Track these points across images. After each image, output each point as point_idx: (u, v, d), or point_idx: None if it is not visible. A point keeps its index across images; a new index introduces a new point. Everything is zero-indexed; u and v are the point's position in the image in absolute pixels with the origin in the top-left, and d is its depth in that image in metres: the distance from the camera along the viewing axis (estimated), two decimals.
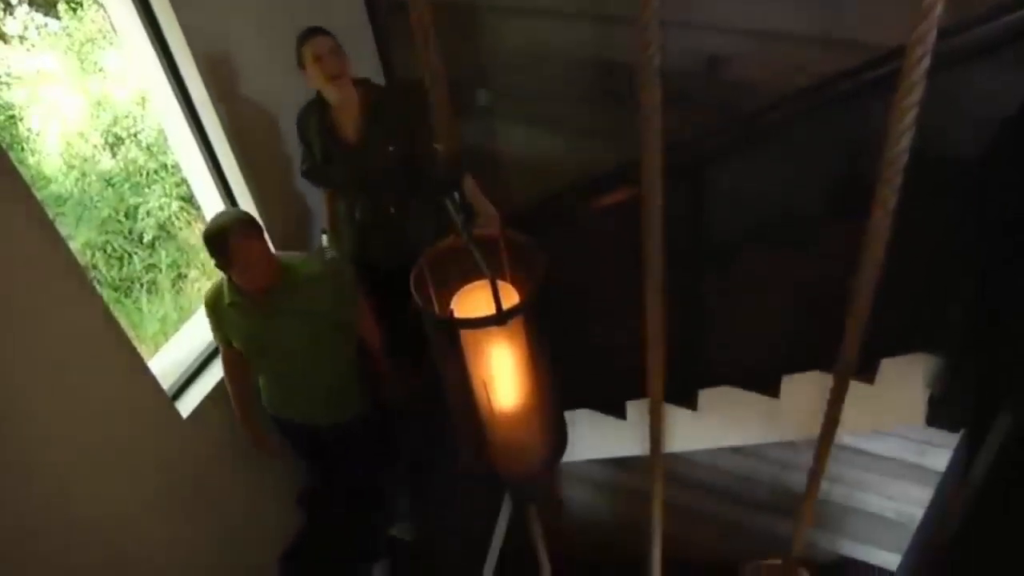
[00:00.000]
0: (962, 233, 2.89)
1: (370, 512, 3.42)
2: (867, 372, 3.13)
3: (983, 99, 2.59)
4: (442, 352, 1.82)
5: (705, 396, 3.36)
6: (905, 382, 3.21)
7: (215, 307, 3.10)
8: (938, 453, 4.24)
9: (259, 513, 3.92)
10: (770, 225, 3.01)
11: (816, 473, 1.98)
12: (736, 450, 4.63)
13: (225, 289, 3.03)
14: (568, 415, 2.13)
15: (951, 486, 3.80)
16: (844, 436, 4.30)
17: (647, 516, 2.35)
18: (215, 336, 3.21)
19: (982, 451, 2.70)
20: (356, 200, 3.38)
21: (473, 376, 1.77)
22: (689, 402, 3.35)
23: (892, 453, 4.44)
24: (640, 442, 2.08)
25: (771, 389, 3.22)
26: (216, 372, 3.57)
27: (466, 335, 1.72)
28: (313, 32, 3.11)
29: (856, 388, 2.86)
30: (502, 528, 3.64)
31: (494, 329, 1.68)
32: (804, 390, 3.10)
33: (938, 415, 3.25)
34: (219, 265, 2.89)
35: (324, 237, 3.68)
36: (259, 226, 2.88)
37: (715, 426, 3.47)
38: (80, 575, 3.02)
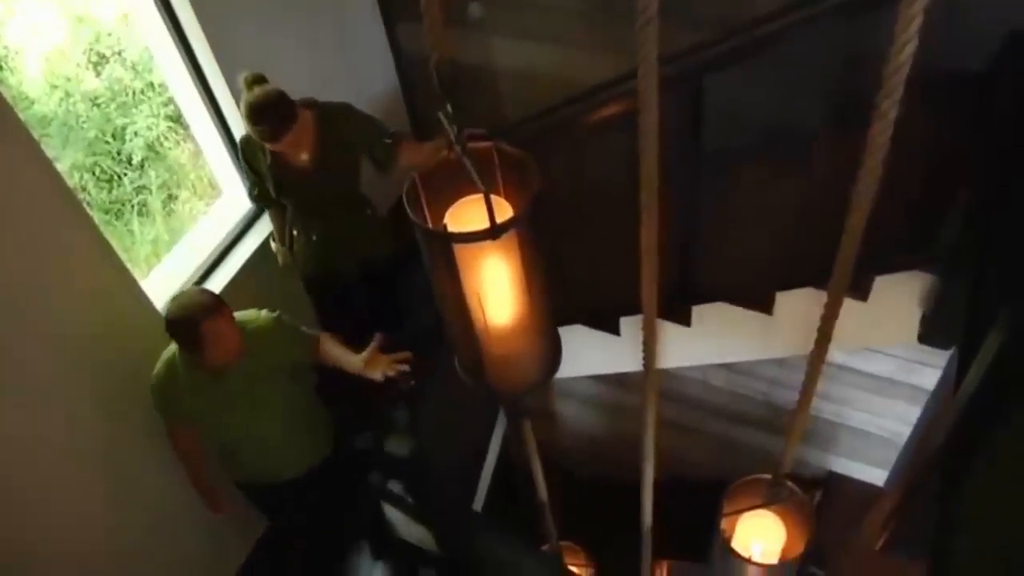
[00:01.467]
0: (960, 150, 2.86)
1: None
2: (861, 289, 3.14)
3: (990, 11, 2.53)
4: (436, 267, 1.81)
5: (699, 312, 3.37)
6: (898, 300, 3.22)
7: (167, 388, 2.87)
8: (928, 372, 4.29)
9: None
10: (767, 140, 2.97)
11: (808, 389, 1.99)
12: (728, 367, 4.67)
13: (180, 369, 2.82)
14: (562, 331, 2.14)
15: (940, 403, 3.85)
16: (836, 354, 4.34)
17: (640, 432, 2.38)
18: (163, 417, 2.97)
19: (972, 368, 2.72)
20: (310, 221, 3.34)
21: (467, 291, 1.77)
22: (683, 318, 3.36)
23: (883, 371, 4.49)
24: (633, 358, 2.09)
25: (765, 306, 3.23)
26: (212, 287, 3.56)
27: (460, 250, 1.70)
28: (291, 116, 2.91)
29: (850, 305, 2.88)
30: (497, 443, 3.69)
31: (488, 243, 1.67)
32: (798, 307, 3.12)
33: (930, 333, 3.27)
34: (188, 350, 2.71)
35: (274, 246, 3.59)
36: (223, 302, 2.70)
37: (708, 342, 3.49)
38: (76, 497, 3.07)
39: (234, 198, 3.89)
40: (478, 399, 3.23)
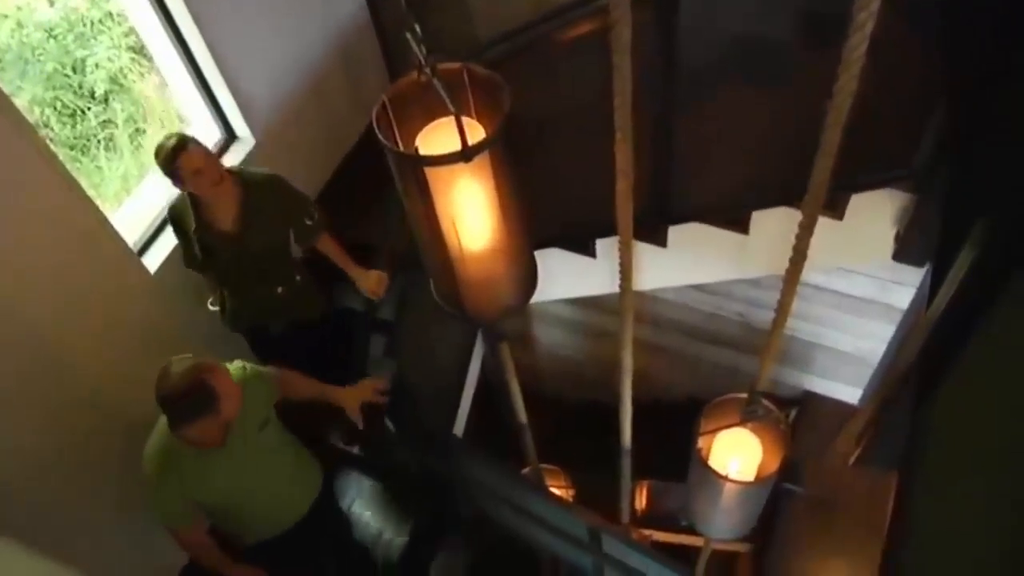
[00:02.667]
0: (934, 69, 2.84)
1: None
2: (837, 208, 3.15)
3: None
4: (409, 193, 1.79)
5: (675, 233, 3.37)
6: (873, 219, 3.24)
7: (173, 488, 2.64)
8: (903, 291, 4.33)
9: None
10: (743, 57, 2.93)
11: (783, 308, 2.00)
12: (704, 288, 4.69)
13: (181, 460, 2.62)
14: (538, 254, 2.13)
15: (913, 320, 3.90)
16: (812, 274, 4.37)
17: (617, 354, 2.39)
18: (176, 523, 2.74)
19: (943, 284, 2.75)
20: (241, 284, 3.33)
21: (441, 216, 1.75)
22: (659, 239, 3.36)
23: (858, 291, 4.53)
24: (610, 280, 2.09)
25: (741, 225, 3.24)
26: None
27: (432, 174, 1.68)
28: (182, 146, 2.91)
29: (825, 224, 2.88)
30: (476, 368, 3.71)
31: (460, 166, 1.65)
32: (774, 226, 3.12)
33: (904, 250, 3.30)
34: (200, 416, 2.45)
35: (210, 307, 3.51)
36: (215, 361, 2.54)
37: (685, 263, 3.50)
38: (55, 426, 3.06)
39: (203, 129, 3.81)
40: (456, 324, 3.24)
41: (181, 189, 3.04)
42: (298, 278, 3.41)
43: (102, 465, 3.29)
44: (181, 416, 2.45)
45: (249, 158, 3.79)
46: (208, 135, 3.79)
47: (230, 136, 3.85)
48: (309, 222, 3.26)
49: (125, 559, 3.47)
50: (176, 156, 2.90)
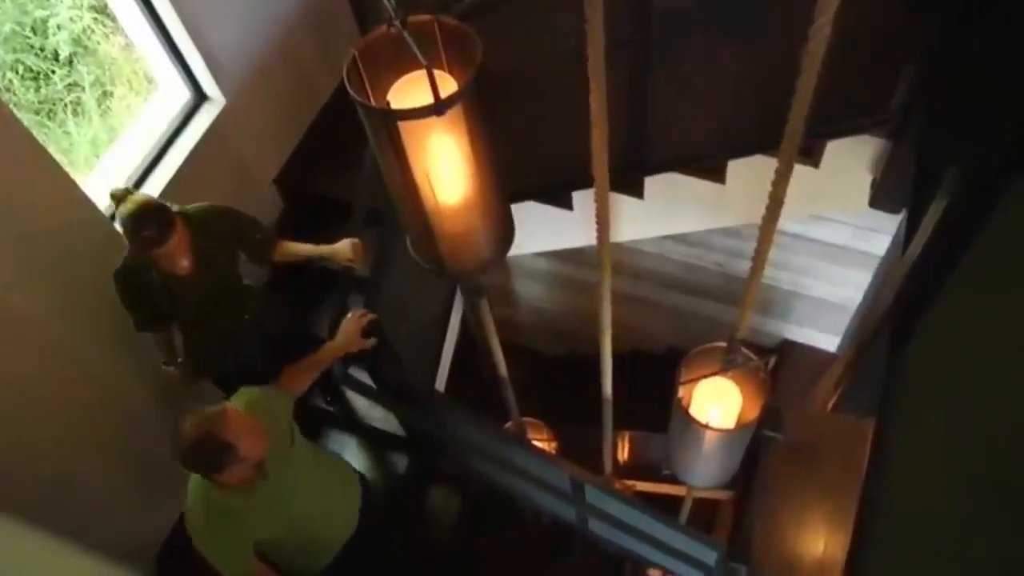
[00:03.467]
0: (909, 14, 2.82)
1: None
2: (813, 156, 3.15)
3: None
4: (382, 148, 1.77)
5: (651, 184, 3.36)
6: (849, 166, 3.25)
7: (221, 521, 2.47)
8: (880, 238, 4.36)
9: None
10: (717, 5, 2.90)
11: (760, 255, 2.01)
12: (683, 239, 4.71)
13: (217, 497, 2.45)
14: (514, 208, 2.12)
15: (889, 266, 3.94)
16: (789, 223, 4.39)
17: (597, 306, 2.40)
18: (239, 564, 2.53)
19: (918, 230, 2.78)
20: (207, 322, 3.18)
21: (415, 170, 1.73)
22: (635, 190, 3.36)
23: (836, 239, 4.56)
24: (587, 232, 2.08)
25: (717, 175, 3.24)
26: (156, 187, 3.46)
27: (404, 127, 1.66)
28: (162, 239, 2.69)
29: (801, 172, 2.89)
30: (456, 323, 3.71)
31: (433, 120, 1.63)
32: (750, 175, 3.12)
33: (880, 197, 3.31)
34: (224, 467, 2.31)
35: (167, 370, 3.31)
36: (225, 408, 2.36)
37: (662, 214, 3.50)
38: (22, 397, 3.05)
39: (171, 90, 3.75)
40: (435, 280, 3.23)
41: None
42: (259, 293, 3.34)
43: (90, 437, 3.29)
44: (206, 471, 2.35)
45: (220, 119, 3.73)
46: (177, 96, 3.73)
47: (200, 97, 3.79)
48: (259, 236, 3.13)
49: (116, 527, 3.48)
50: (153, 247, 2.70)
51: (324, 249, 3.19)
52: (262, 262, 3.22)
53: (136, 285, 2.97)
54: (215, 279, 3.06)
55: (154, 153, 3.61)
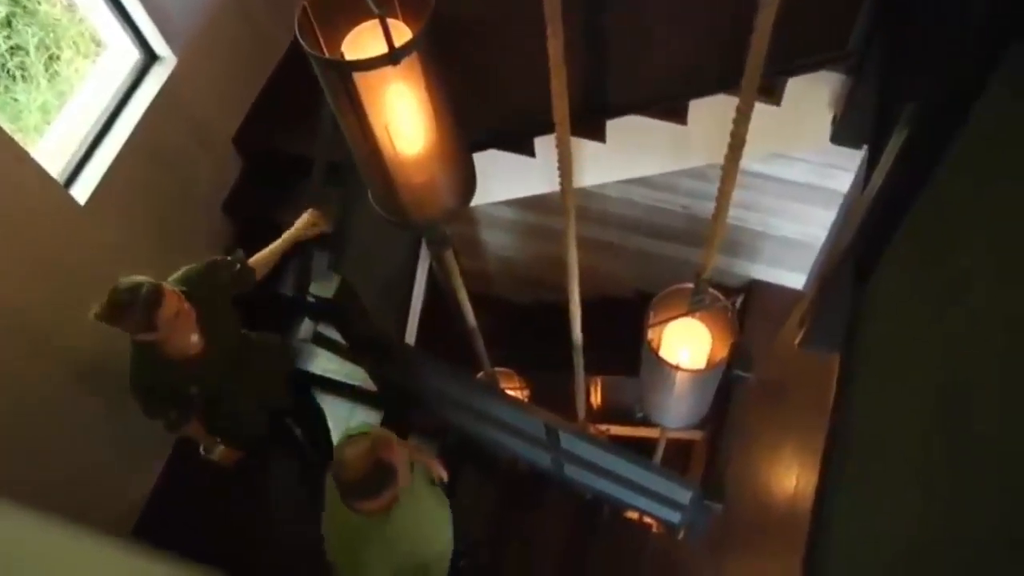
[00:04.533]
0: None
1: None
2: (774, 94, 3.14)
3: None
4: (339, 101, 1.74)
5: (613, 127, 3.34)
6: (811, 103, 3.24)
7: (363, 547, 2.55)
8: (844, 175, 4.38)
9: None
10: None
11: (724, 194, 2.02)
12: (648, 183, 4.70)
13: (358, 523, 2.51)
14: (476, 157, 2.10)
15: (852, 202, 3.97)
16: (753, 163, 4.40)
17: (563, 252, 2.40)
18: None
19: (880, 163, 2.79)
20: (229, 389, 3.03)
21: (373, 122, 1.71)
22: (597, 134, 3.34)
23: (800, 177, 4.58)
24: (550, 178, 2.08)
25: (679, 116, 3.22)
26: (110, 151, 3.38)
27: (360, 79, 1.63)
28: (156, 299, 2.53)
29: (763, 110, 2.88)
30: (423, 276, 3.68)
31: (388, 70, 1.60)
32: (712, 115, 3.11)
33: (841, 133, 3.32)
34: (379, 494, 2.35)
35: (212, 455, 3.21)
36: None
37: (625, 157, 3.48)
38: None
39: (120, 51, 3.64)
40: (400, 232, 3.20)
41: (146, 339, 2.64)
42: (254, 334, 3.19)
43: (52, 401, 3.26)
44: (364, 496, 2.37)
45: (172, 79, 3.64)
46: (126, 57, 3.62)
47: (150, 57, 3.68)
48: (234, 270, 2.97)
49: (90, 502, 3.47)
50: (153, 310, 2.53)
51: (290, 234, 3.10)
52: (248, 287, 3.04)
53: (148, 382, 2.85)
54: (224, 342, 2.93)
55: (105, 117, 3.51)
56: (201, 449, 3.18)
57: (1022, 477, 1.54)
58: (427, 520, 2.75)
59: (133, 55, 3.60)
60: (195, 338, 2.78)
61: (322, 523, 2.64)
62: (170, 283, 2.74)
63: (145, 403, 2.89)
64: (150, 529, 3.79)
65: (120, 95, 3.57)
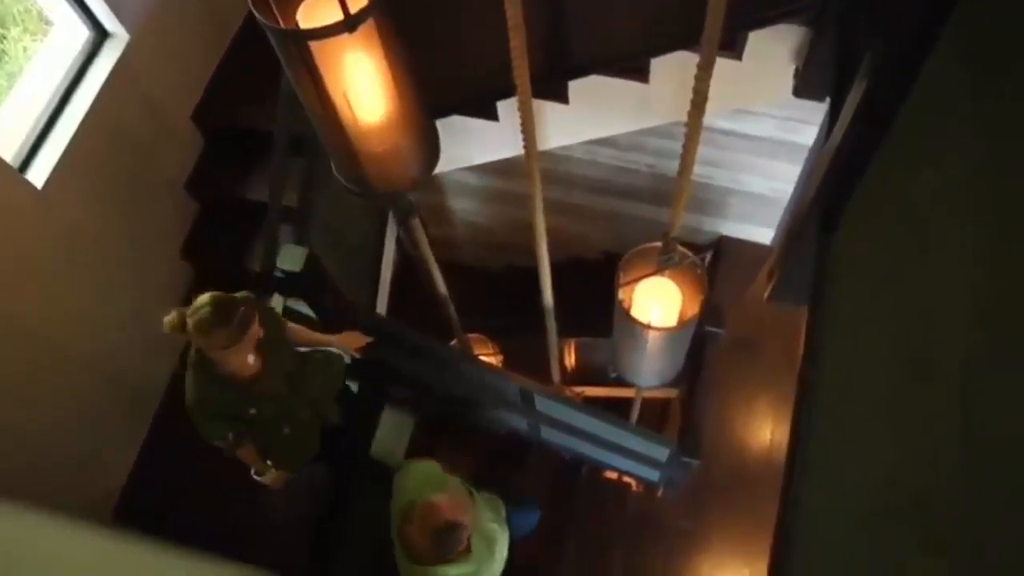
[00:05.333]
0: None
1: None
2: (735, 48, 3.14)
3: None
4: (296, 72, 1.71)
5: (575, 88, 3.32)
6: (773, 56, 3.25)
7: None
8: (808, 129, 4.39)
9: (144, 270, 3.82)
10: None
11: (688, 151, 2.01)
12: (613, 143, 4.69)
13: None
14: (439, 123, 2.08)
15: (816, 155, 3.99)
16: (717, 120, 4.40)
17: (531, 216, 2.39)
18: None
19: (841, 114, 2.80)
20: (282, 408, 2.98)
21: (331, 91, 1.68)
22: (560, 95, 3.32)
23: (765, 133, 4.58)
24: (515, 142, 2.06)
25: (640, 74, 3.21)
26: (65, 132, 3.31)
27: (316, 48, 1.60)
28: (251, 319, 2.52)
29: (725, 65, 2.88)
30: (391, 245, 3.65)
31: (345, 37, 1.58)
32: (673, 72, 3.11)
33: (804, 85, 3.33)
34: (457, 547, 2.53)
35: (266, 479, 3.15)
36: None
37: (588, 118, 3.47)
38: None
39: (69, 29, 3.54)
40: (366, 204, 3.17)
41: (216, 355, 2.60)
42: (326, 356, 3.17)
43: (27, 397, 3.22)
44: (441, 560, 2.53)
45: (126, 56, 3.55)
46: (75, 35, 3.52)
47: (101, 35, 3.58)
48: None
49: (66, 483, 3.44)
50: (246, 329, 2.52)
51: (327, 337, 3.11)
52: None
53: (219, 411, 2.82)
54: (281, 366, 2.89)
55: (58, 97, 3.42)
56: (252, 472, 3.14)
57: (985, 421, 1.57)
58: (498, 551, 2.87)
59: (82, 32, 3.51)
60: (252, 359, 2.75)
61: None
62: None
63: (208, 424, 2.84)
64: (130, 513, 3.77)
65: (72, 74, 3.48)
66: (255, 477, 3.14)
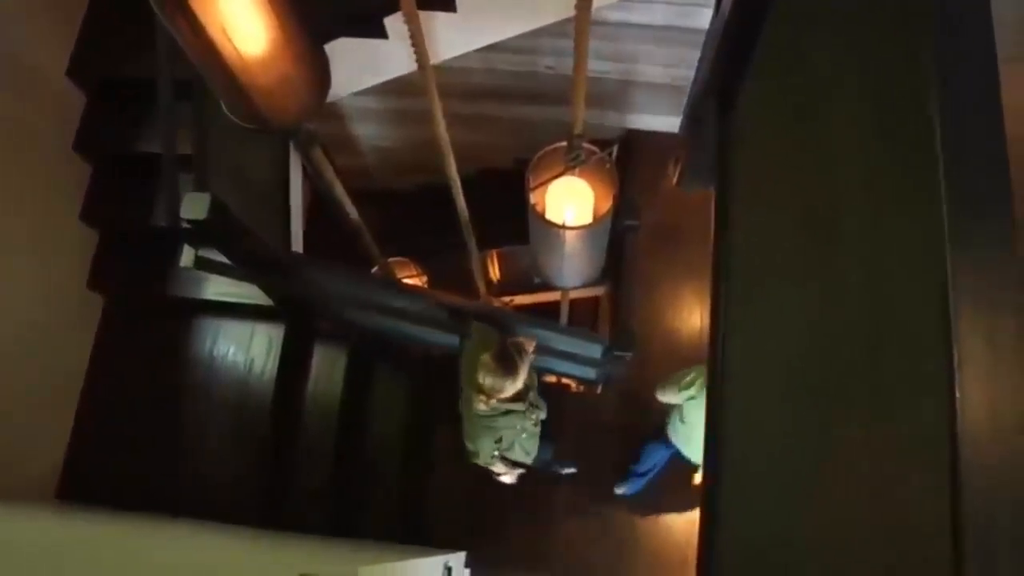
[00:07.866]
0: None
1: None
2: None
3: None
4: (167, 11, 1.64)
5: None
6: None
7: None
8: (703, 13, 4.38)
9: (46, 243, 3.67)
10: None
11: (580, 45, 2.01)
12: (508, 48, 4.61)
13: None
14: (328, 48, 2.03)
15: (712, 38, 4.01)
16: (609, 12, 4.36)
17: (435, 132, 2.37)
18: None
19: None
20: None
21: (208, 27, 1.62)
22: (447, 4, 3.23)
23: (660, 20, 4.56)
24: (408, 58, 2.03)
25: None
26: None
27: None
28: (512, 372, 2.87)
29: None
30: (297, 179, 3.56)
31: None
32: None
33: None
34: None
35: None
36: None
37: (479, 24, 3.38)
38: None
39: None
40: (264, 139, 3.08)
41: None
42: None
43: None
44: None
45: None
46: None
47: None
48: None
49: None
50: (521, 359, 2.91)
51: None
52: None
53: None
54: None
55: None
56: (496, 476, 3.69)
57: (885, 280, 1.65)
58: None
59: None
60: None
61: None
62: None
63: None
64: (75, 486, 3.72)
65: None
66: (500, 479, 3.65)
